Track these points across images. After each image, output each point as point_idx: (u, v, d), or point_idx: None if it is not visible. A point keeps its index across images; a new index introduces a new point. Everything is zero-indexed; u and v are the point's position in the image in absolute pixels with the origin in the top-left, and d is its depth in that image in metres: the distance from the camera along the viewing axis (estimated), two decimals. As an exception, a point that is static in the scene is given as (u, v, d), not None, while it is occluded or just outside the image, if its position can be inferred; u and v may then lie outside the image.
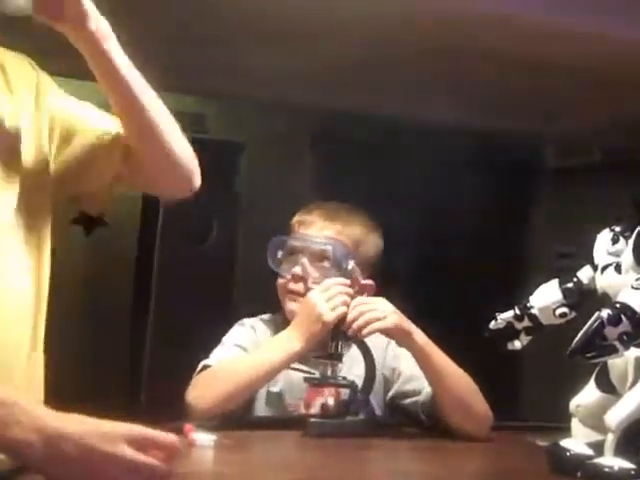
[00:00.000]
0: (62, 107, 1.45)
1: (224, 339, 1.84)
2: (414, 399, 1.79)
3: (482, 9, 2.77)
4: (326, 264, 1.77)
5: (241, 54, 3.56)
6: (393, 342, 1.82)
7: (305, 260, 1.79)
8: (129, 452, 1.00)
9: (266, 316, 1.95)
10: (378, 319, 1.67)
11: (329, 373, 1.69)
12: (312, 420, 1.64)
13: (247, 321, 1.91)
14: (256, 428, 1.63)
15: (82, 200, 1.55)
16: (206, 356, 1.77)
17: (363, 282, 1.80)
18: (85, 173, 1.44)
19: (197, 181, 1.56)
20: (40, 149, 1.39)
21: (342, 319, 1.69)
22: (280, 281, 1.84)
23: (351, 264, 1.78)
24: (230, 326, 1.89)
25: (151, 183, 1.53)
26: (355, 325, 1.66)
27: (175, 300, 4.77)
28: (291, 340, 1.69)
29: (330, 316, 1.67)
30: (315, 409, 1.75)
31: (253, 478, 1.25)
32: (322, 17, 3.03)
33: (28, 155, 1.37)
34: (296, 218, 1.89)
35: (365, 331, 1.66)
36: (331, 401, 1.69)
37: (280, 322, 1.88)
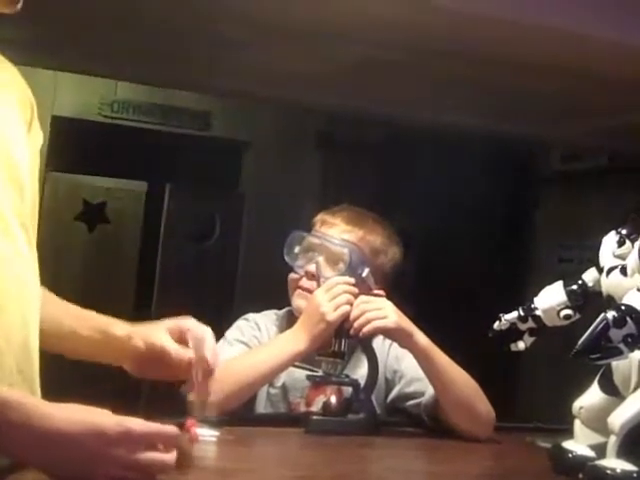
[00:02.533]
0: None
1: (227, 334, 1.84)
2: (416, 401, 1.79)
3: (489, 12, 2.78)
4: (341, 266, 1.76)
5: (248, 53, 3.57)
6: (395, 344, 1.81)
7: (321, 259, 1.78)
8: (124, 453, 1.00)
9: (270, 312, 1.94)
10: (379, 318, 1.67)
11: (332, 371, 1.69)
12: (314, 418, 1.64)
13: (251, 316, 1.91)
14: (258, 425, 1.63)
15: None
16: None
17: (375, 291, 1.78)
18: None
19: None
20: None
21: (346, 318, 1.69)
22: (293, 276, 1.83)
23: (366, 271, 1.77)
24: (232, 325, 1.89)
25: None
26: (356, 323, 1.67)
27: (177, 298, 4.77)
28: (295, 339, 1.69)
29: (333, 315, 1.68)
30: (317, 407, 1.75)
31: (255, 473, 1.25)
32: (331, 18, 3.03)
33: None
34: (320, 216, 1.87)
35: (366, 329, 1.66)
36: (333, 399, 1.69)
37: (285, 318, 1.89)
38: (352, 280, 1.73)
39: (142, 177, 4.97)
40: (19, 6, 1.22)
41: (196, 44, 3.55)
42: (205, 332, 1.35)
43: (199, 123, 5.24)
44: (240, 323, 1.88)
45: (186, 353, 1.24)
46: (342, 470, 1.37)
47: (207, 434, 1.35)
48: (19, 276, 1.18)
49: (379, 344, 1.81)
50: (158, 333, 1.30)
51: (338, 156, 4.86)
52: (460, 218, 4.81)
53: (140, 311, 4.83)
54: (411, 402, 1.80)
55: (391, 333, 1.72)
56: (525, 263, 5.08)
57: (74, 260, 4.87)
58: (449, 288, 4.65)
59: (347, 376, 1.71)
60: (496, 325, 1.53)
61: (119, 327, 1.34)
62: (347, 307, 1.69)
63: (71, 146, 4.64)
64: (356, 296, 1.71)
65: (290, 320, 1.84)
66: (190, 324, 1.38)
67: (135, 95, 5.08)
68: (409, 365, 1.80)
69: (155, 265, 4.89)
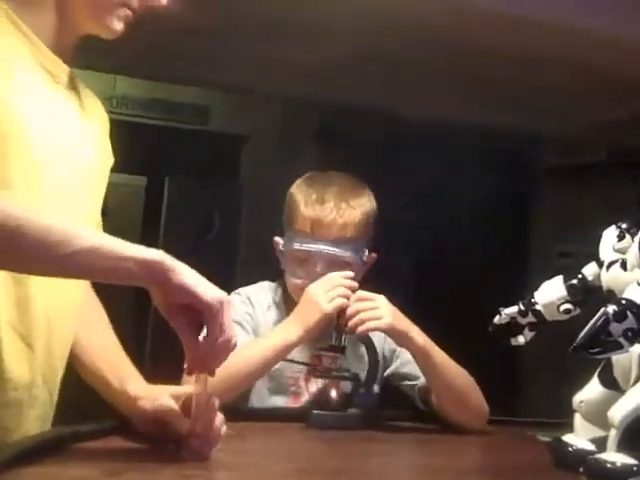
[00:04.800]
0: None
1: None
2: (411, 383, 1.81)
3: (489, 4, 2.78)
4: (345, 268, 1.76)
5: (246, 46, 3.56)
6: None
7: (321, 266, 1.77)
8: None
9: (264, 283, 1.92)
10: (373, 319, 1.66)
11: (332, 365, 1.69)
12: (314, 412, 1.65)
13: (242, 291, 1.88)
14: (259, 419, 1.63)
15: None
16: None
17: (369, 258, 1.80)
18: None
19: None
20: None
21: (344, 312, 1.69)
22: (296, 282, 1.81)
23: (366, 254, 1.78)
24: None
25: None
26: (351, 322, 1.67)
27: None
28: (288, 330, 1.69)
29: (327, 307, 1.68)
30: (316, 386, 1.76)
31: (255, 467, 1.25)
32: (329, 12, 3.03)
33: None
34: (307, 213, 1.78)
35: (360, 329, 1.66)
36: (334, 393, 1.69)
37: (279, 292, 1.88)
38: (351, 274, 1.73)
39: (141, 172, 4.97)
40: (119, 29, 1.32)
41: (194, 38, 3.55)
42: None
43: (198, 117, 5.24)
44: (232, 299, 1.84)
45: (185, 423, 1.25)
46: (343, 464, 1.37)
47: None
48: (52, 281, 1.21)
49: None
50: (165, 398, 1.33)
51: (337, 151, 4.85)
52: (458, 214, 4.81)
53: (140, 304, 4.83)
54: (405, 382, 1.83)
55: (386, 333, 1.72)
56: (525, 258, 5.09)
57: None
58: (448, 284, 4.65)
59: (348, 370, 1.71)
60: (496, 319, 1.53)
61: (133, 385, 1.38)
62: (342, 300, 1.68)
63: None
64: (351, 288, 1.71)
65: (284, 293, 1.85)
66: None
67: (134, 90, 5.08)
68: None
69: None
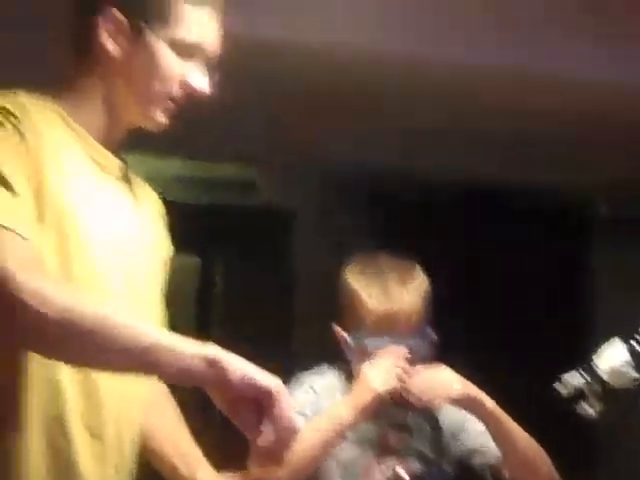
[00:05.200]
0: None
1: None
2: (482, 461, 1.78)
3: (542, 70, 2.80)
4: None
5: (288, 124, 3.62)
6: None
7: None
8: None
9: (324, 369, 1.89)
10: (444, 391, 1.66)
11: (400, 446, 1.68)
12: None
13: (306, 380, 1.85)
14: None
15: None
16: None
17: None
18: None
19: None
20: None
21: (398, 392, 1.68)
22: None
23: (431, 335, 1.80)
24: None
25: None
26: (423, 397, 1.66)
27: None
28: (343, 411, 1.71)
29: (381, 388, 1.68)
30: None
31: None
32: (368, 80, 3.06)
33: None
34: (372, 306, 1.77)
35: (432, 403, 1.65)
36: (403, 474, 1.68)
37: (343, 379, 1.85)
38: (406, 351, 1.73)
39: (195, 253, 5.02)
40: (164, 122, 1.34)
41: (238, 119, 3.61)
42: None
43: (244, 193, 5.29)
44: (295, 391, 1.80)
45: None
46: None
47: None
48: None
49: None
50: None
51: (389, 218, 4.85)
52: (512, 277, 4.75)
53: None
54: (476, 459, 1.79)
55: (457, 403, 1.71)
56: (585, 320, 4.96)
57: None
58: (505, 349, 4.56)
59: (416, 450, 1.70)
60: (563, 391, 1.50)
61: (202, 473, 1.41)
62: (394, 381, 1.69)
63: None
64: (413, 359, 1.71)
65: (348, 379, 1.83)
66: None
67: (182, 170, 5.16)
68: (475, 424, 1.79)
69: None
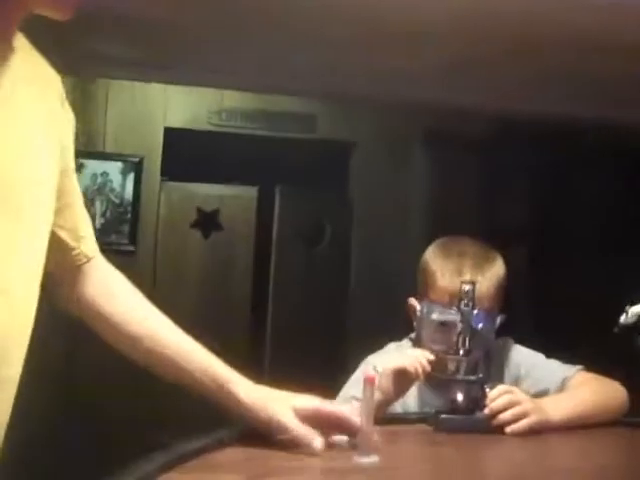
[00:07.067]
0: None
1: (353, 377, 1.86)
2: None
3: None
4: None
5: (348, 53, 3.59)
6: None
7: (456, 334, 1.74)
8: None
9: (391, 346, 1.96)
10: (524, 415, 1.63)
11: (457, 369, 1.69)
12: (442, 416, 1.65)
13: (371, 359, 1.89)
14: (386, 424, 1.64)
15: None
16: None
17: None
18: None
19: None
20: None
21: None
22: (434, 347, 1.77)
23: (498, 321, 1.81)
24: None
25: None
26: (502, 418, 1.63)
27: (292, 298, 4.85)
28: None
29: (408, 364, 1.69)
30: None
31: (400, 470, 1.29)
32: (434, 16, 3.02)
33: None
34: (445, 284, 1.83)
35: (512, 429, 1.62)
36: (460, 397, 1.69)
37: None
38: (431, 357, 1.72)
39: (252, 182, 5.06)
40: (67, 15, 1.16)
41: (296, 48, 3.59)
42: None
43: (304, 126, 5.29)
44: (358, 375, 1.82)
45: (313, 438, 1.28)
46: (472, 464, 1.37)
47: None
48: None
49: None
50: (285, 413, 1.30)
51: (446, 152, 4.83)
52: (573, 214, 4.70)
53: (257, 312, 4.92)
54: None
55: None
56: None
57: (191, 267, 4.98)
58: (566, 287, 4.55)
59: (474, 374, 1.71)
60: (622, 319, 1.50)
61: (242, 388, 1.32)
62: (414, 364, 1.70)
63: (183, 156, 4.76)
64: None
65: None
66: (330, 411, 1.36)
67: (241, 103, 5.17)
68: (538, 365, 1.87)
69: (269, 268, 4.97)
